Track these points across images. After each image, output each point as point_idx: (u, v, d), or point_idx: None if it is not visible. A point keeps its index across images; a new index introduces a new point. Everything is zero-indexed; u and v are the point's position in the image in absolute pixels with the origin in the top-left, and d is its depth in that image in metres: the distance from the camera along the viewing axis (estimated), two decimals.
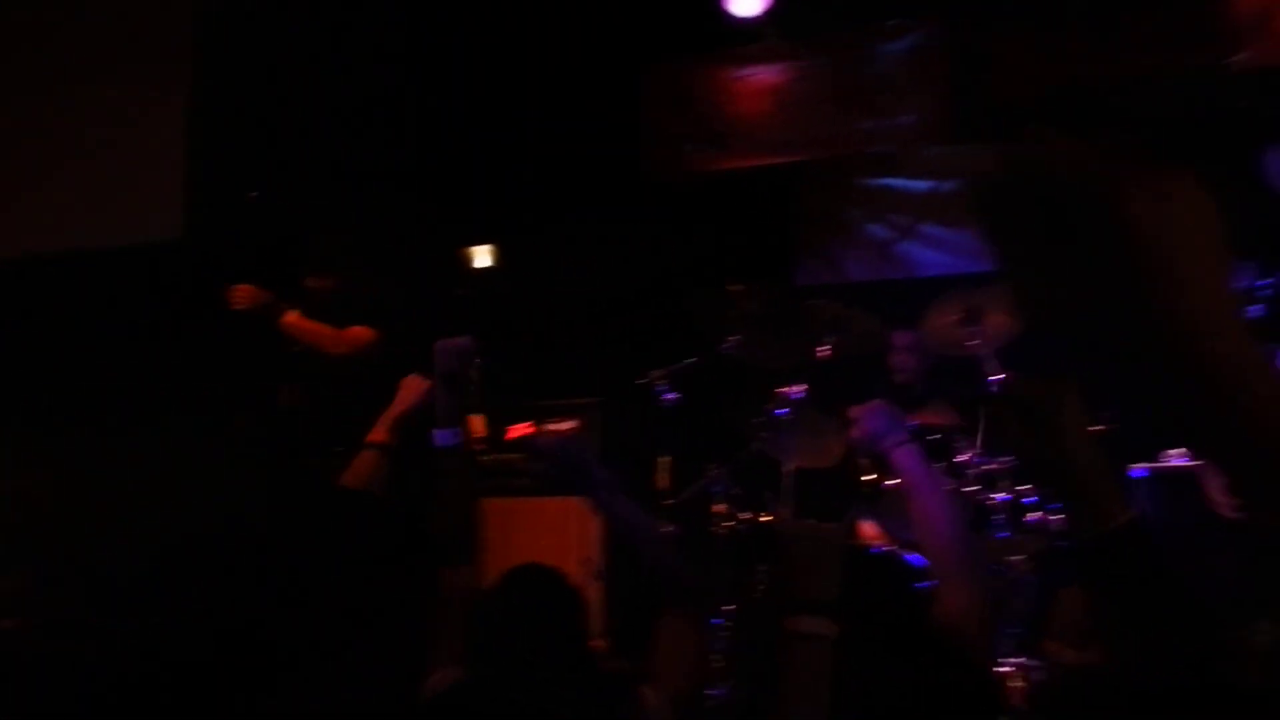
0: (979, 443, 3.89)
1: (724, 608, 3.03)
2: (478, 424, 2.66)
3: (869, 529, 3.65)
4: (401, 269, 4.42)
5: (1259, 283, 2.74)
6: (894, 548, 2.96)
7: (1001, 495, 3.74)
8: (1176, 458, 3.06)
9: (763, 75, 5.47)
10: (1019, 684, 3.04)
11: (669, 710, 1.52)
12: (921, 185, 5.26)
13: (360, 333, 3.85)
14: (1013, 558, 3.65)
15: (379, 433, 2.36)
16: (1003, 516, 3.73)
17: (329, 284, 3.93)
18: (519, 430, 3.67)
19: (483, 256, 5.80)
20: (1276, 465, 0.50)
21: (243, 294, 3.85)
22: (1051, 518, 3.88)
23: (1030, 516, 3.88)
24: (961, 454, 3.85)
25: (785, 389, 3.68)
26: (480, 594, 1.76)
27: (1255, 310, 2.70)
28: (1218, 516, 2.80)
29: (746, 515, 4.17)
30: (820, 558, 1.79)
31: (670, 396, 3.85)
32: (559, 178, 5.38)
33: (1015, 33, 4.91)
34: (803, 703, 1.45)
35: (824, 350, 3.74)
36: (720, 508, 4.18)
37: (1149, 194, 0.49)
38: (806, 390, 3.67)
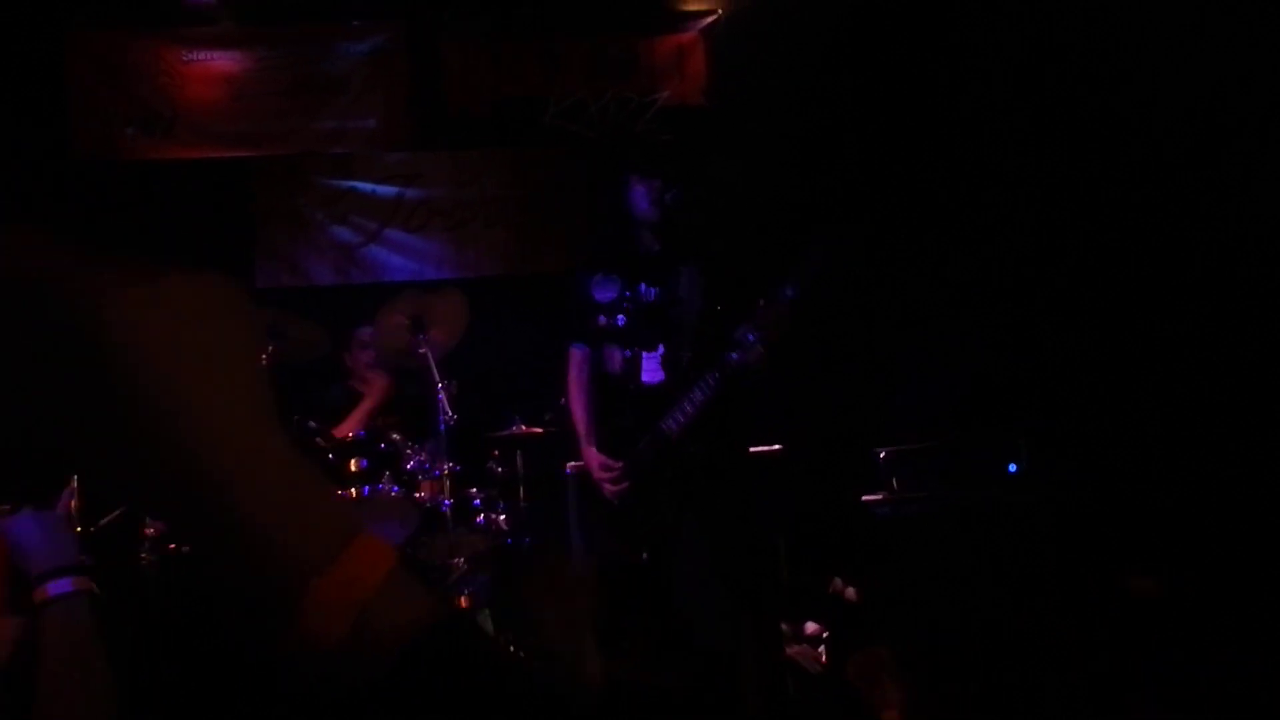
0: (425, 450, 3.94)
1: None
2: None
3: None
4: None
5: (626, 293, 3.03)
6: None
7: (447, 501, 3.82)
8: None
9: (216, 62, 5.08)
10: None
11: None
12: (388, 190, 5.22)
13: None
14: (456, 559, 3.74)
15: None
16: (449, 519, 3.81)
17: None
18: None
19: None
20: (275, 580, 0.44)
21: None
22: (499, 518, 4.07)
23: (479, 518, 4.03)
24: (409, 461, 3.87)
25: None
26: None
27: (620, 320, 3.00)
28: None
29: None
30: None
31: None
32: None
33: (466, 47, 5.07)
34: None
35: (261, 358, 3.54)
36: (152, 530, 3.82)
37: (126, 301, 0.41)
38: None
